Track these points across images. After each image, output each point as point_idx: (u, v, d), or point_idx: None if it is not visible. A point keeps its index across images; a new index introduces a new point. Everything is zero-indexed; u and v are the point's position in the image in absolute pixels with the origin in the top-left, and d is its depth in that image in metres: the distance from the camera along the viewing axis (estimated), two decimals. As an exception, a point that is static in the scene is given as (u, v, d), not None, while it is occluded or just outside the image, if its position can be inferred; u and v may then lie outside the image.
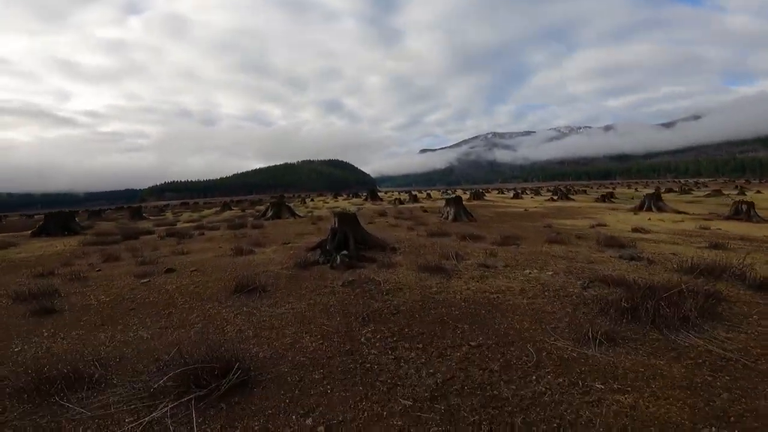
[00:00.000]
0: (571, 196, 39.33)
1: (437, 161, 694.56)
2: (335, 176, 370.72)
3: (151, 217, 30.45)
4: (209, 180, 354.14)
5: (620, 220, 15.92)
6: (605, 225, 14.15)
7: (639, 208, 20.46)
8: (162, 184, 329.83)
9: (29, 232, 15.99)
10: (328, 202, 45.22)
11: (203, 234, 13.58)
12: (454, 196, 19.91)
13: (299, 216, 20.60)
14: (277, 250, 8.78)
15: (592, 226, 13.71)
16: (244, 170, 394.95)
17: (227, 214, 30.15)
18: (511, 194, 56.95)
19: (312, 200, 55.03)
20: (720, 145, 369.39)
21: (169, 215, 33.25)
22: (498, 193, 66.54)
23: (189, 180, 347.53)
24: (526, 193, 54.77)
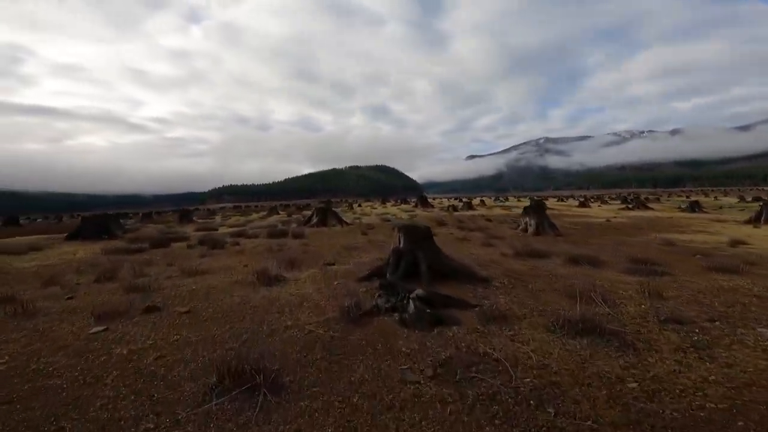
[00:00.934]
0: (649, 205, 34.18)
1: (485, 167, 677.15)
2: (382, 181, 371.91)
3: (199, 220, 29.97)
4: (263, 184, 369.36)
5: (751, 235, 12.10)
6: (744, 242, 10.47)
7: (756, 220, 16.06)
8: (221, 188, 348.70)
9: (65, 235, 15.02)
10: (376, 208, 43.09)
11: (237, 244, 11.63)
12: (533, 203, 16.73)
13: (346, 223, 18.40)
14: (316, 276, 6.36)
15: (733, 244, 10.13)
16: (295, 175, 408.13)
17: (273, 218, 28.85)
18: (576, 202, 51.73)
19: (359, 205, 53.28)
20: None
21: (217, 219, 32.67)
22: (557, 200, 61.11)
23: (245, 184, 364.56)
24: (591, 201, 49.23)
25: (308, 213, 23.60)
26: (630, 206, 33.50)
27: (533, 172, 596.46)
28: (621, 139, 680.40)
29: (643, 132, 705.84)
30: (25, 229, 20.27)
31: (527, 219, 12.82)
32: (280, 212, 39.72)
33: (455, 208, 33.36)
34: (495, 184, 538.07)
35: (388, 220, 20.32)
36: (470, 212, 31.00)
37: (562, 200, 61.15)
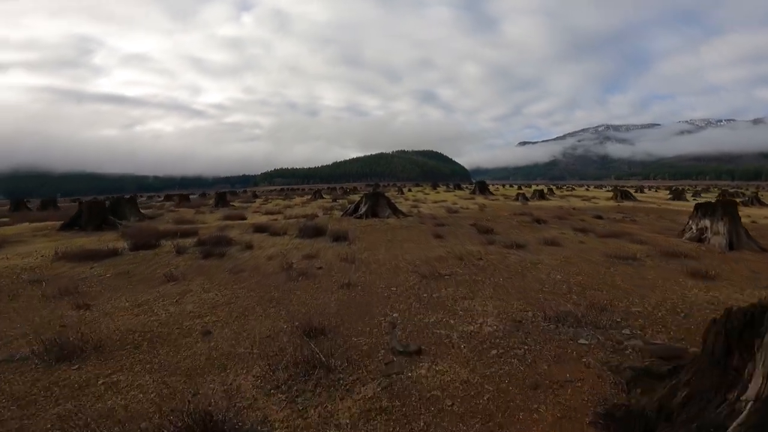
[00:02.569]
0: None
1: (538, 154, 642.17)
2: (429, 167, 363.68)
3: (236, 204, 27.48)
4: (311, 167, 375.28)
5: None
6: None
7: None
8: (272, 171, 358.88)
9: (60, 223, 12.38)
10: (428, 194, 38.79)
11: (250, 248, 8.15)
12: (720, 198, 11.81)
13: (403, 214, 14.43)
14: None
15: None
16: (342, 159, 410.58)
17: (315, 204, 25.60)
18: (665, 193, 44.07)
19: (410, 190, 49.15)
20: None
21: (257, 203, 30.08)
22: (636, 191, 53.14)
23: (295, 167, 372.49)
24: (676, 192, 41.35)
25: (355, 199, 19.95)
26: (743, 201, 26.76)
27: (592, 161, 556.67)
28: (695, 128, 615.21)
29: (721, 121, 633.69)
30: (41, 215, 18.29)
31: (705, 222, 8.11)
32: (325, 196, 36.72)
33: (526, 197, 28.30)
34: (549, 173, 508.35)
35: (455, 212, 16.07)
36: (543, 202, 25.95)
37: (641, 191, 52.91)
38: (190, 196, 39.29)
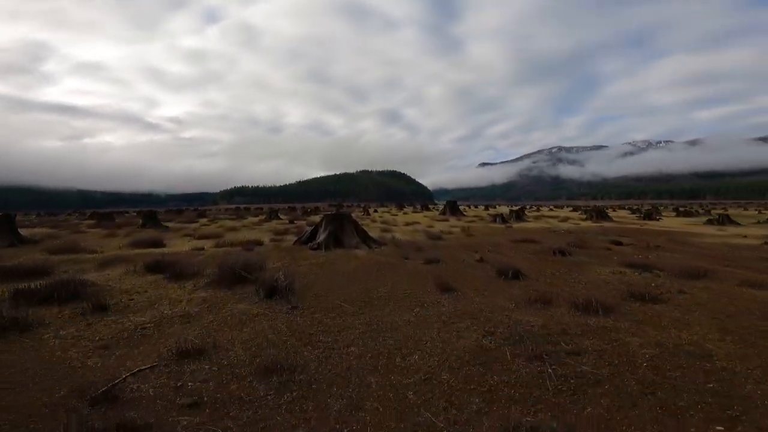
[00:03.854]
0: (734, 219, 26.46)
1: (497, 176, 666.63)
2: (393, 187, 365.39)
3: (173, 224, 23.00)
4: (274, 186, 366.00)
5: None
6: None
7: None
8: (232, 189, 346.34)
9: None
10: (396, 215, 35.78)
11: (103, 309, 4.47)
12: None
13: (375, 242, 11.10)
14: None
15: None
16: (305, 178, 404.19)
17: (268, 226, 21.72)
18: (627, 212, 43.95)
19: (376, 211, 46.04)
20: None
21: (198, 224, 25.64)
22: (611, 210, 53.08)
23: (256, 185, 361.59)
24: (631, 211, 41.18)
25: (317, 219, 16.33)
26: (714, 221, 25.94)
27: (546, 181, 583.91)
28: (637, 149, 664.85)
29: (660, 142, 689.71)
30: None
31: None
32: (282, 216, 32.77)
33: (504, 218, 25.91)
34: (507, 194, 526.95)
35: (438, 237, 12.92)
36: (526, 224, 23.63)
37: (613, 210, 52.86)
38: (128, 213, 33.74)
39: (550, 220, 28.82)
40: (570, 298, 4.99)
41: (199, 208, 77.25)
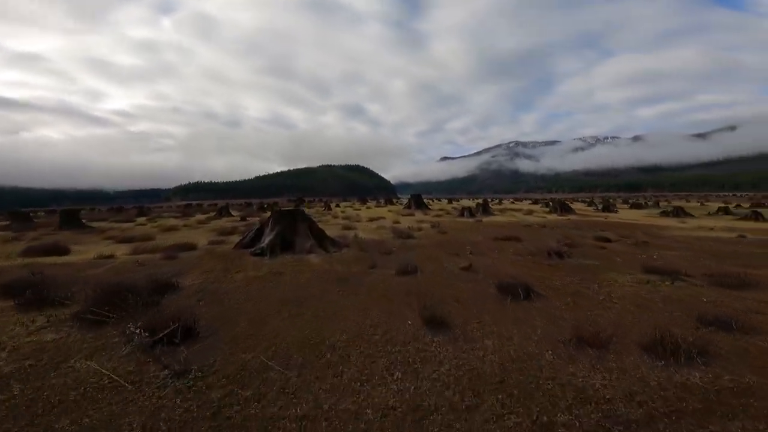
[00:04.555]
0: (688, 212, 27.32)
1: (458, 170, 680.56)
2: (355, 181, 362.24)
3: (105, 224, 19.92)
4: (231, 182, 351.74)
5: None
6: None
7: None
8: (187, 185, 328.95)
9: None
10: (359, 210, 34.00)
11: None
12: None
13: (333, 243, 9.33)
14: None
15: None
16: (266, 173, 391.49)
17: (215, 225, 19.28)
18: (584, 205, 44.99)
19: (338, 206, 44.03)
20: (756, 157, 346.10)
21: (135, 223, 22.60)
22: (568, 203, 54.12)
23: (213, 181, 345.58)
24: (582, 204, 42.27)
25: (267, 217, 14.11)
26: (668, 213, 26.66)
27: (505, 175, 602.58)
28: (587, 144, 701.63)
29: (607, 138, 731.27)
30: None
31: None
32: (234, 213, 30.07)
33: (472, 212, 24.91)
34: (468, 187, 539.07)
35: (408, 236, 11.33)
36: (495, 218, 22.71)
37: (571, 203, 54.05)
38: (61, 210, 29.37)
39: (516, 214, 28.26)
40: (624, 333, 3.50)
41: (147, 206, 71.44)
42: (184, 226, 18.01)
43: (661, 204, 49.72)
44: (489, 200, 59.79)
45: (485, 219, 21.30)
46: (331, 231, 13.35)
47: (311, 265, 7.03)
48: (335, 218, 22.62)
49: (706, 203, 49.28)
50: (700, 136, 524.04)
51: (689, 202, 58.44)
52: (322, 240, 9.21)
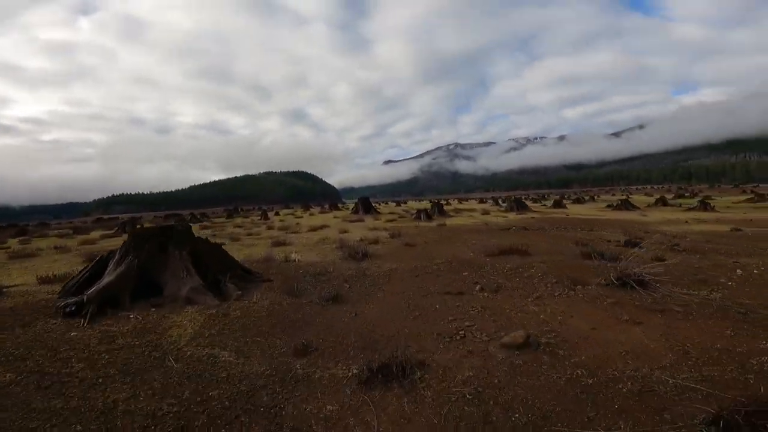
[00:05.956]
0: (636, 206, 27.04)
1: (401, 173, 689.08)
2: (299, 187, 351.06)
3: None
4: (162, 192, 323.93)
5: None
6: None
7: None
8: (109, 197, 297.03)
9: None
10: (301, 217, 29.76)
11: None
12: None
13: (246, 280, 5.60)
14: None
15: None
16: (201, 182, 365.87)
17: (98, 246, 14.30)
18: (531, 202, 44.76)
19: (277, 214, 39.35)
20: (664, 153, 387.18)
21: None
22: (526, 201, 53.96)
23: (140, 192, 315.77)
24: (543, 200, 42.17)
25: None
26: (613, 206, 26.11)
27: (446, 177, 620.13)
28: (519, 145, 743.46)
29: (536, 138, 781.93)
30: None
31: None
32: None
33: (429, 215, 21.97)
34: (411, 189, 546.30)
35: (365, 255, 7.75)
36: (455, 220, 19.94)
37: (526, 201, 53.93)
38: None
39: (474, 214, 25.94)
40: None
41: (50, 222, 60.67)
42: (38, 249, 12.82)
43: (597, 198, 51.59)
44: (436, 201, 58.15)
45: (447, 222, 18.40)
46: (255, 250, 9.46)
47: (160, 349, 3.29)
48: (269, 229, 18.49)
49: (630, 196, 51.17)
50: (616, 134, 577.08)
51: (614, 195, 61.46)
52: (220, 273, 5.40)
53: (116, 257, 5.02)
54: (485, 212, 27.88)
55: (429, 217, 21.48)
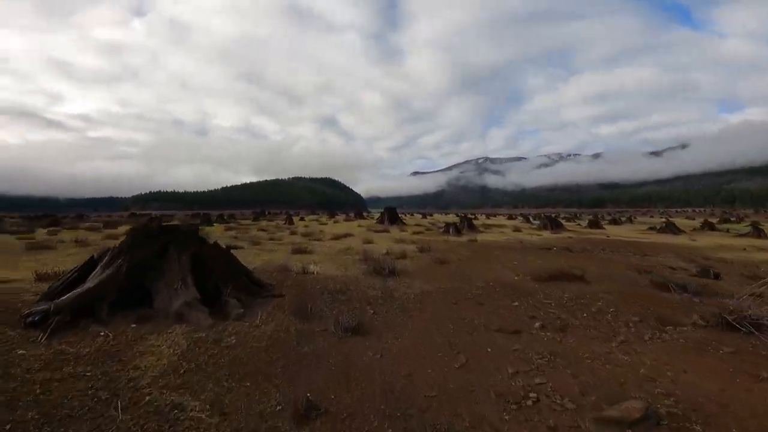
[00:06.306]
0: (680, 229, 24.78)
1: (428, 185, 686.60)
2: (326, 194, 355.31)
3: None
4: (197, 192, 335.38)
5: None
6: None
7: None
8: (147, 194, 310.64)
9: None
10: (325, 224, 29.24)
11: None
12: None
13: (254, 293, 4.81)
14: None
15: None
16: (233, 184, 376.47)
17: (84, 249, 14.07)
18: (584, 222, 42.52)
19: (302, 219, 39.09)
20: (702, 175, 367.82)
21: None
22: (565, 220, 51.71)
23: (176, 191, 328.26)
24: (568, 221, 39.82)
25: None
26: (661, 229, 23.93)
27: (473, 191, 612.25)
28: (551, 161, 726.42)
29: (570, 155, 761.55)
30: None
31: None
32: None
33: (458, 229, 20.83)
34: (437, 202, 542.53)
35: (392, 273, 6.82)
36: (486, 236, 18.71)
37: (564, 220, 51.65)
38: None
39: (505, 230, 24.52)
40: None
41: (90, 215, 63.23)
42: (60, 242, 12.59)
43: (633, 219, 48.52)
44: (464, 215, 56.44)
45: (478, 237, 17.21)
46: (274, 256, 8.74)
47: (112, 388, 2.48)
48: (293, 235, 17.90)
49: (670, 219, 48.38)
50: (656, 153, 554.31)
51: (652, 217, 57.95)
52: (224, 284, 4.63)
53: (106, 259, 4.32)
54: (516, 229, 26.38)
55: (458, 231, 20.34)
